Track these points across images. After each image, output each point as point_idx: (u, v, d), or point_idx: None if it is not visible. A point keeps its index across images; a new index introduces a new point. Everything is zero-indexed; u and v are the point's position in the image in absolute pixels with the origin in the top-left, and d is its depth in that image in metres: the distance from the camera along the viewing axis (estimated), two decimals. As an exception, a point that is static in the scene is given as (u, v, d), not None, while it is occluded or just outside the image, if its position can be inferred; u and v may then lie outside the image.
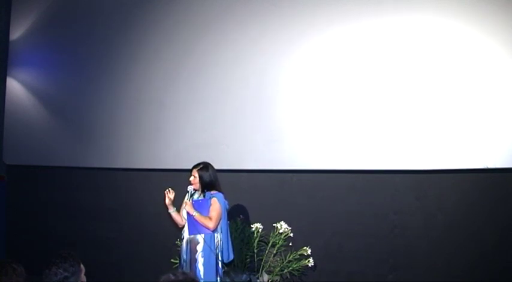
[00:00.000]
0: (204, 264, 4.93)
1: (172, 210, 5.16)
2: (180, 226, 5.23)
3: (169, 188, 5.16)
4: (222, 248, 5.05)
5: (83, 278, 3.09)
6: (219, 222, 5.03)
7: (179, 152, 6.51)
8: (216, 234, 5.01)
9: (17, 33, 8.03)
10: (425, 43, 5.29)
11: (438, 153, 5.18)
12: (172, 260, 5.86)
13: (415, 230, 5.43)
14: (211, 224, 4.95)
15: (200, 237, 4.97)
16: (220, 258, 5.01)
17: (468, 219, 5.21)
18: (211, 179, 5.11)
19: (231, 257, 5.16)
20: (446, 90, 5.16)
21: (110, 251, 7.03)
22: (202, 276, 4.87)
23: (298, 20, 5.94)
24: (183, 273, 2.54)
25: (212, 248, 4.96)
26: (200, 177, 5.06)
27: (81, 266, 3.07)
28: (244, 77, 6.21)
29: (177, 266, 5.26)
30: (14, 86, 7.97)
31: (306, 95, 5.87)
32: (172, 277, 2.42)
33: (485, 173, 5.09)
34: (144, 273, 6.55)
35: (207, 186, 5.09)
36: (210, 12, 6.53)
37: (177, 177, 6.20)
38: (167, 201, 5.12)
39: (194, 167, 5.14)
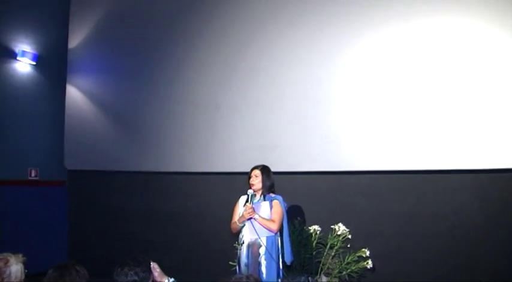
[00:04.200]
0: (266, 267, 4.89)
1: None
2: (235, 231, 5.22)
3: None
4: (284, 250, 5.04)
5: None
6: (281, 224, 5.03)
7: (235, 155, 6.57)
8: (277, 237, 4.99)
9: (75, 41, 8.30)
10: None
11: (499, 152, 5.09)
12: (230, 263, 5.88)
13: (476, 231, 5.32)
14: (274, 226, 4.91)
15: (263, 240, 4.92)
16: (281, 260, 5.00)
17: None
18: (272, 181, 5.13)
19: (291, 258, 5.13)
20: (495, 92, 5.08)
21: (167, 254, 7.07)
22: (265, 278, 4.84)
23: (353, 19, 5.94)
24: (251, 275, 2.59)
25: (274, 250, 4.93)
26: (262, 178, 5.06)
27: (152, 275, 3.16)
28: (299, 78, 6.23)
29: (234, 269, 5.25)
30: (73, 93, 8.22)
31: (361, 95, 5.85)
32: (244, 279, 2.48)
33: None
34: (202, 276, 6.61)
35: (268, 188, 5.08)
36: (264, 13, 6.59)
37: (234, 180, 6.31)
38: None
39: (254, 168, 5.14)
